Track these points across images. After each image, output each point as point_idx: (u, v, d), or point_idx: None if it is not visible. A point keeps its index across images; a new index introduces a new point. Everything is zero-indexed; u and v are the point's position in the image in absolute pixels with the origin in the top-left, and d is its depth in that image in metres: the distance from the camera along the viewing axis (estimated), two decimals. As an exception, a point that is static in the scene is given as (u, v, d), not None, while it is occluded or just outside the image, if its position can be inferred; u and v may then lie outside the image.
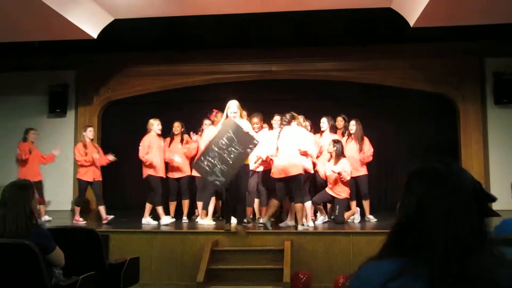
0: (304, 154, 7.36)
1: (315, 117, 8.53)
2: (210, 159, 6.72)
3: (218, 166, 6.69)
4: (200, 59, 10.71)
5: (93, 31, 8.76)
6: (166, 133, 8.82)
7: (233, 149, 6.70)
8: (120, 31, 9.15)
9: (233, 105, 7.01)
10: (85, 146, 8.63)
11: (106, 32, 8.92)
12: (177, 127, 8.68)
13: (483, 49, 10.10)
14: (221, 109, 8.29)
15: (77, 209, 8.65)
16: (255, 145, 6.78)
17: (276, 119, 7.82)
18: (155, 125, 8.33)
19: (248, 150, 6.78)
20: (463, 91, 10.24)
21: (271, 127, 8.26)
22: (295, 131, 7.40)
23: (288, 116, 7.40)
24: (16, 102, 11.25)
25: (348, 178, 7.70)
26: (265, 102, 10.20)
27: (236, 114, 6.93)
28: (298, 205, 7.27)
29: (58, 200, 10.57)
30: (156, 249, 7.16)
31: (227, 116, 7.02)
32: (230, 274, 6.66)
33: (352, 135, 8.26)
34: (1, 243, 3.45)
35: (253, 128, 7.74)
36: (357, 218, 8.19)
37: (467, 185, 1.41)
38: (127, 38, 10.18)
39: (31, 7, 7.51)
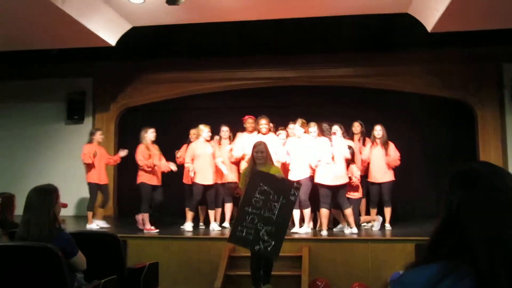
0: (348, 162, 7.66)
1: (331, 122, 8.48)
2: (248, 224, 5.46)
3: (262, 228, 5.45)
4: (216, 66, 10.77)
5: (112, 39, 8.84)
6: (182, 140, 8.84)
7: (273, 203, 5.50)
8: (136, 38, 9.22)
9: (258, 146, 5.89)
10: (147, 148, 8.23)
11: (123, 39, 8.99)
12: (193, 134, 8.65)
13: (501, 54, 10.04)
14: (238, 115, 8.39)
15: (146, 216, 8.14)
16: (297, 188, 5.70)
17: (325, 127, 7.77)
18: (205, 131, 8.16)
19: (292, 197, 5.56)
20: (481, 97, 10.17)
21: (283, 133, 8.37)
22: (341, 141, 7.66)
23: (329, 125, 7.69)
24: (35, 109, 11.41)
25: (358, 182, 7.87)
26: (280, 109, 10.19)
27: (262, 155, 5.83)
28: (348, 210, 7.51)
29: (78, 206, 10.63)
30: (173, 254, 7.18)
31: (253, 160, 5.91)
32: (248, 281, 6.63)
33: (378, 140, 8.19)
34: (25, 246, 3.49)
35: (260, 130, 7.79)
36: (376, 226, 8.12)
37: (507, 185, 1.41)
38: (143, 45, 10.25)
39: (50, 15, 7.60)
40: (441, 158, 10.06)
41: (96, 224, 8.56)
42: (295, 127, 7.79)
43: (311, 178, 7.61)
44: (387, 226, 8.09)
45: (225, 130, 8.38)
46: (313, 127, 7.83)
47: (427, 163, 10.41)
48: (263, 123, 7.85)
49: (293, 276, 6.58)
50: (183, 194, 8.71)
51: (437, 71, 10.23)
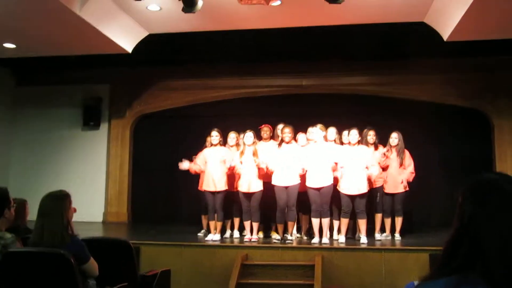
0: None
1: (340, 130, 8.39)
2: None
3: None
4: (230, 73, 10.81)
5: (128, 46, 8.92)
6: (198, 145, 8.82)
7: None
8: (152, 45, 9.29)
9: None
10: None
11: (139, 46, 9.06)
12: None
13: (518, 63, 9.95)
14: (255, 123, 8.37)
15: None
16: None
17: (349, 133, 7.76)
18: (231, 137, 8.11)
19: None
20: (497, 106, 10.08)
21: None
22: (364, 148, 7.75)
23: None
24: (51, 114, 11.52)
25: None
26: (295, 117, 10.16)
27: None
28: (363, 220, 7.61)
29: (89, 212, 10.66)
30: (185, 262, 7.17)
31: None
32: (260, 288, 6.65)
33: (394, 148, 8.11)
34: (38, 252, 3.52)
35: (283, 138, 7.67)
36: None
37: None
38: (159, 52, 10.31)
39: (69, 22, 7.70)
40: (457, 167, 9.98)
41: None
42: (314, 131, 7.72)
43: (334, 185, 7.58)
44: (397, 236, 8.01)
45: (232, 137, 8.27)
46: (287, 129, 7.76)
47: (443, 171, 10.32)
48: (287, 131, 7.71)
49: (305, 285, 6.54)
50: (198, 201, 8.66)
51: (453, 80, 10.17)
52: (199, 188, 8.38)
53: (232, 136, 8.19)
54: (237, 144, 8.21)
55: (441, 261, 1.41)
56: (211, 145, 8.00)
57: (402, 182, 7.95)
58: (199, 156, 8.11)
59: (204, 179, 8.00)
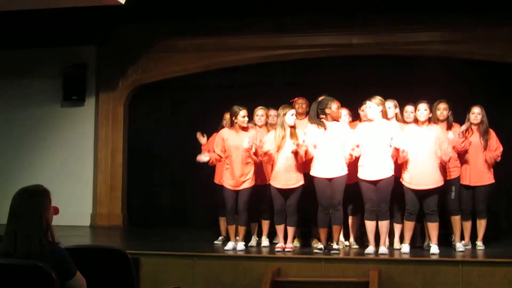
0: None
1: (404, 103, 8.33)
2: None
3: None
4: (257, 29, 10.76)
5: (120, -5, 8.93)
6: (213, 126, 8.87)
7: None
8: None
9: None
10: None
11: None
12: (228, 119, 8.59)
13: None
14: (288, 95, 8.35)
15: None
16: None
17: (416, 108, 7.71)
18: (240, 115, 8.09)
19: None
20: None
21: (357, 117, 8.26)
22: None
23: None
24: (21, 87, 11.61)
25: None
26: (345, 85, 10.13)
27: None
28: (434, 224, 7.57)
29: (74, 214, 10.70)
30: (199, 278, 7.24)
31: None
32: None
33: (475, 128, 8.01)
34: (10, 264, 3.56)
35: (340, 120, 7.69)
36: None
37: None
38: (161, 3, 10.32)
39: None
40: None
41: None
42: (369, 105, 7.63)
43: (394, 177, 7.55)
44: (479, 244, 7.96)
45: (260, 114, 8.27)
46: (345, 110, 7.89)
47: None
48: (335, 107, 7.73)
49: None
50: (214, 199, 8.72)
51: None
52: (215, 180, 8.43)
53: (259, 113, 8.23)
54: (266, 124, 8.26)
55: None
56: (241, 128, 8.00)
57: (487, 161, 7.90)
58: (216, 141, 8.15)
59: (223, 170, 8.06)
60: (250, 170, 7.90)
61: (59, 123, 11.47)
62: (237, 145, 7.84)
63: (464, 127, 7.81)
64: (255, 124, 8.24)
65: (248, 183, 7.89)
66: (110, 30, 11.25)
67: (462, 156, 7.96)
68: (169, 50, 11.15)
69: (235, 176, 7.87)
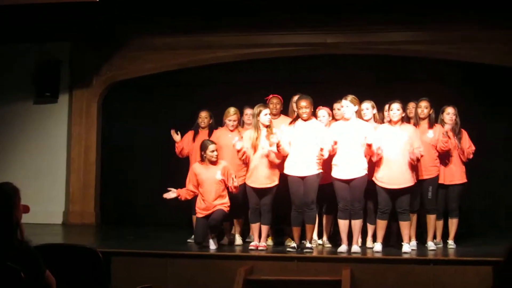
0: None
1: (381, 102, 8.39)
2: None
3: None
4: (232, 27, 10.74)
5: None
6: (186, 125, 8.87)
7: None
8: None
9: None
10: None
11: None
12: (204, 118, 8.64)
13: None
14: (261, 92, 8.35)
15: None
16: None
17: (390, 108, 7.76)
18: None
19: None
20: None
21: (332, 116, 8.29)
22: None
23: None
24: (-7, 83, 11.49)
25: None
26: (318, 84, 10.16)
27: None
28: (406, 223, 7.66)
29: (46, 211, 10.66)
30: (171, 277, 7.24)
31: None
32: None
33: (450, 128, 8.07)
34: (-23, 264, 3.55)
35: (300, 115, 7.68)
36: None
37: None
38: (136, 1, 10.27)
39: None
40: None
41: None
42: (344, 104, 7.66)
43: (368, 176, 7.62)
44: (451, 243, 8.07)
45: (249, 113, 8.32)
46: (324, 110, 7.98)
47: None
48: (304, 105, 7.72)
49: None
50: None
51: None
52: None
53: (249, 113, 8.32)
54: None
55: (503, 276, 1.44)
56: (200, 128, 8.33)
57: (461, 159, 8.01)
58: (189, 177, 8.15)
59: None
60: (225, 198, 7.95)
61: (32, 120, 11.37)
62: (208, 179, 7.90)
63: (448, 126, 7.91)
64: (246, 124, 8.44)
65: (222, 207, 7.92)
66: (84, 27, 11.16)
67: (441, 156, 8.05)
68: (144, 47, 11.11)
69: (207, 205, 7.91)
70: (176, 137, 8.59)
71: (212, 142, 7.98)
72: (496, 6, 9.83)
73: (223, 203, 7.87)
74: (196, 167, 8.04)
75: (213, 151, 7.88)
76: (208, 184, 7.87)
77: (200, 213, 7.93)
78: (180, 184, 8.37)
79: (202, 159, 7.97)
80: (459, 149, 8.06)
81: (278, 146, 7.49)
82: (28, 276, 3.59)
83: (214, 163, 7.92)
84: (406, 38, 10.46)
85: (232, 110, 8.35)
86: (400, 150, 7.57)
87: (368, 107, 7.91)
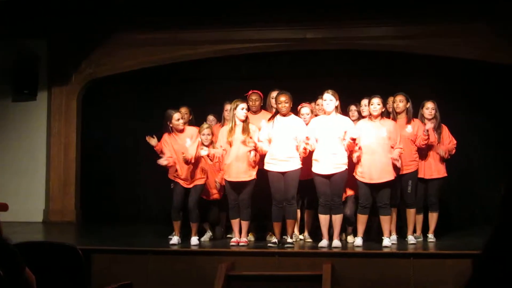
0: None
1: (361, 98, 8.42)
2: None
3: None
4: (212, 23, 10.72)
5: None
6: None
7: None
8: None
9: None
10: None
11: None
12: (184, 113, 8.59)
13: None
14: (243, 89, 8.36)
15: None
16: None
17: (370, 102, 7.80)
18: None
19: None
20: None
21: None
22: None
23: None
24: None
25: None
26: (297, 80, 10.19)
27: None
28: (387, 218, 7.74)
29: (25, 209, 10.57)
30: (152, 274, 7.23)
31: None
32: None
33: (429, 122, 8.10)
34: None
35: (279, 110, 7.69)
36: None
37: None
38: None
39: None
40: (507, 145, 10.05)
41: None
42: (325, 98, 7.67)
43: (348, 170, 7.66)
44: (430, 237, 8.14)
45: (229, 109, 8.27)
46: (306, 108, 8.04)
47: (493, 154, 10.37)
48: (283, 100, 7.73)
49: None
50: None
51: (510, 31, 10.10)
52: (169, 176, 8.40)
53: (229, 108, 8.21)
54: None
55: (482, 269, 1.44)
56: (178, 130, 8.14)
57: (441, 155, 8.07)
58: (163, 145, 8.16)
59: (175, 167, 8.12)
60: (197, 170, 8.00)
61: (10, 118, 11.29)
62: (179, 148, 7.93)
63: (430, 125, 7.94)
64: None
65: (199, 181, 7.97)
66: (62, 23, 11.09)
67: (420, 151, 8.10)
68: (123, 44, 11.05)
69: (183, 176, 7.96)
70: (153, 140, 8.34)
71: (176, 111, 8.11)
72: (472, 0, 9.91)
73: (199, 178, 8.00)
74: (166, 138, 8.12)
75: (178, 119, 7.96)
76: (179, 155, 7.93)
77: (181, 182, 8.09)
78: (162, 181, 8.39)
79: (170, 130, 8.04)
80: (439, 144, 8.11)
81: (256, 149, 7.55)
82: (6, 274, 3.58)
83: (181, 131, 8.03)
84: (385, 33, 10.51)
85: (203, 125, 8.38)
86: (380, 145, 7.61)
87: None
